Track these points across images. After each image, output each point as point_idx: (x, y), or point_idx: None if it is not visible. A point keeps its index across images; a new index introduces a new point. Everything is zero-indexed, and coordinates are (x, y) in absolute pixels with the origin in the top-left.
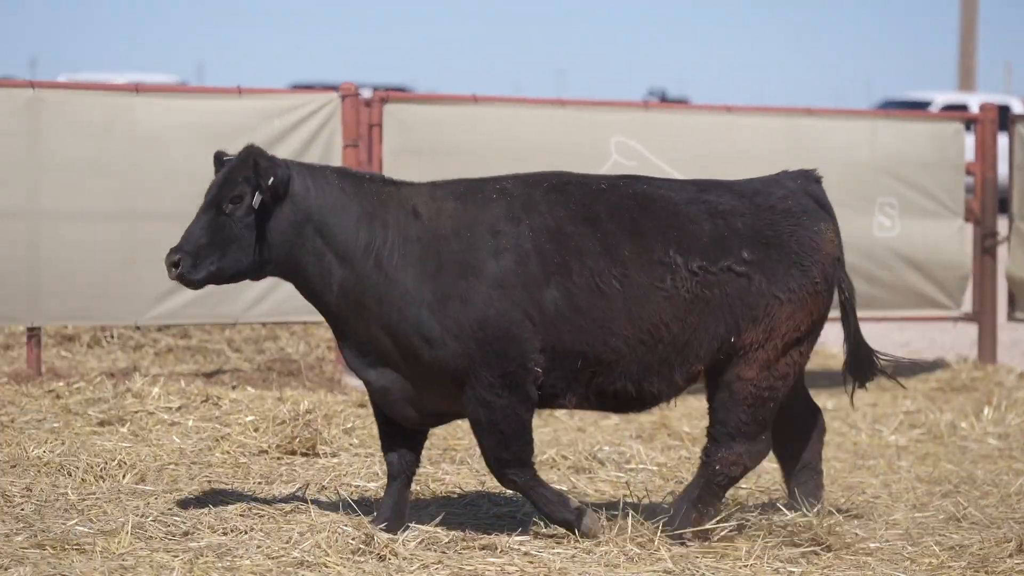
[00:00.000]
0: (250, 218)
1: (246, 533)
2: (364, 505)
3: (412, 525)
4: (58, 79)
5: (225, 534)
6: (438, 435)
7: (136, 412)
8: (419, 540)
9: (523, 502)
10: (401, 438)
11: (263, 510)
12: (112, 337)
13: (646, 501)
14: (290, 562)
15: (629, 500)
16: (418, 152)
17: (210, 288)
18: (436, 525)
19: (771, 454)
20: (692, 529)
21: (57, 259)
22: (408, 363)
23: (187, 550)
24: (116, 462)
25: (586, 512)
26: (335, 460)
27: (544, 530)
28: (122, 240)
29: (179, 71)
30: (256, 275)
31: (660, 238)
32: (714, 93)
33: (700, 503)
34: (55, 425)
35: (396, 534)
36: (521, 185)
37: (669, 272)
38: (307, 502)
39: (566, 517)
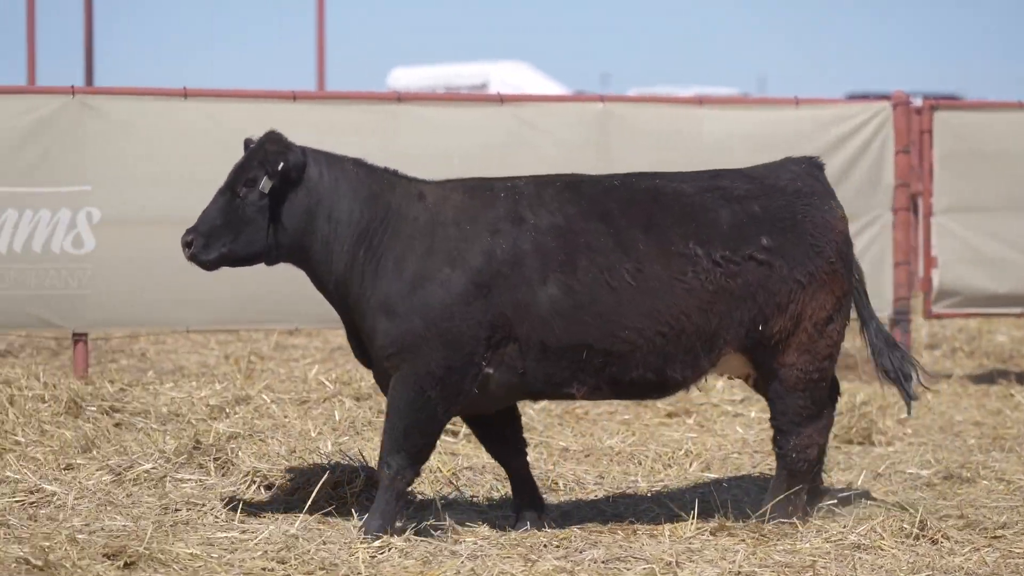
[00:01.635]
0: (263, 202)
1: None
2: (920, 491)
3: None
4: (628, 93)
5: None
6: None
7: (702, 404)
8: (968, 524)
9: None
10: (493, 433)
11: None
12: None
13: None
14: (847, 545)
15: None
16: (967, 156)
17: None
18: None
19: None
20: (795, 519)
21: None
22: (370, 345)
23: (754, 531)
24: (683, 451)
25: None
26: (890, 449)
27: None
28: None
29: (742, 84)
30: (269, 259)
31: (677, 231)
32: None
33: (791, 494)
34: (626, 417)
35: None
36: (533, 184)
37: (690, 264)
38: (864, 489)
39: (382, 527)
